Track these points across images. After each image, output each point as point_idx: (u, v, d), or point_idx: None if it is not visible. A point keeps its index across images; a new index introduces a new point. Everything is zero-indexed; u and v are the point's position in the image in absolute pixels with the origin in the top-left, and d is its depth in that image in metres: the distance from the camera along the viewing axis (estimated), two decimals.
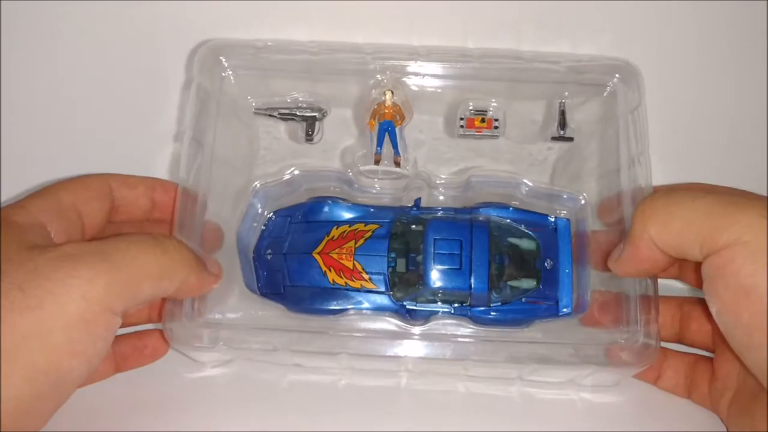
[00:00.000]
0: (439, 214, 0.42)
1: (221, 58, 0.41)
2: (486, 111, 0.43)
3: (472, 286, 0.39)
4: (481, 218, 0.41)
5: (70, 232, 0.35)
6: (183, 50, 0.44)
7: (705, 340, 0.39)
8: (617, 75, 0.41)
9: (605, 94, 0.42)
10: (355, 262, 0.40)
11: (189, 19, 0.44)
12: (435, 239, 0.39)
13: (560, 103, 0.43)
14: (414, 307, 0.40)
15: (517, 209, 0.42)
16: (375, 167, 0.42)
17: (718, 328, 0.36)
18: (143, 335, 0.39)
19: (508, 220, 0.42)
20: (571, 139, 0.43)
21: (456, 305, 0.40)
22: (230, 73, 0.42)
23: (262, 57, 0.41)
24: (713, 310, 0.31)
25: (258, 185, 0.43)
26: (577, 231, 0.42)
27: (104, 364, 0.38)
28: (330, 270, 0.40)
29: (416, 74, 0.41)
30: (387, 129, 0.42)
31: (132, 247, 0.31)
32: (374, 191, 0.43)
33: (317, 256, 0.41)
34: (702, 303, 0.39)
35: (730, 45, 0.44)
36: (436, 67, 0.41)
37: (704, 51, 0.45)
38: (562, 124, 0.43)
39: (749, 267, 0.29)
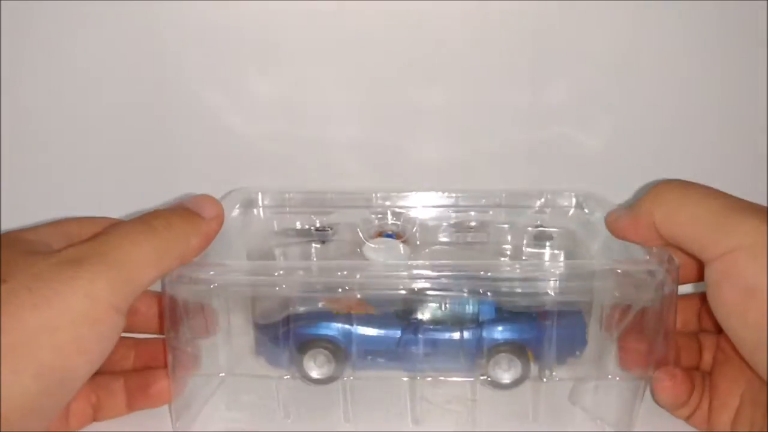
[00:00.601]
0: None
1: (252, 198, 0.50)
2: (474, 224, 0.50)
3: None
4: None
5: None
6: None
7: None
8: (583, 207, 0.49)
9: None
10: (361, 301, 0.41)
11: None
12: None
13: (537, 229, 0.49)
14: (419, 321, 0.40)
15: None
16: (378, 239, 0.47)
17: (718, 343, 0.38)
18: (148, 373, 0.39)
19: None
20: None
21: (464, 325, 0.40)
22: (261, 210, 0.50)
23: (286, 201, 0.50)
24: (719, 315, 0.32)
25: None
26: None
27: (115, 399, 0.38)
28: (332, 307, 0.41)
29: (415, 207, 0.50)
30: (390, 236, 0.48)
31: (125, 242, 0.33)
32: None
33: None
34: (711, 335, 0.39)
35: (729, 46, 0.49)
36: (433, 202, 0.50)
37: (701, 50, 0.50)
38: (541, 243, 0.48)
39: (753, 268, 0.31)
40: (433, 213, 0.50)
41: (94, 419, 0.38)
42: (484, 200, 0.50)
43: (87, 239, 0.33)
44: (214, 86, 0.51)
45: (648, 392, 0.38)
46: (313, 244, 0.50)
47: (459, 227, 0.50)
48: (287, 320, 0.40)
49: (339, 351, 0.40)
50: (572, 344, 0.40)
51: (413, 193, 0.50)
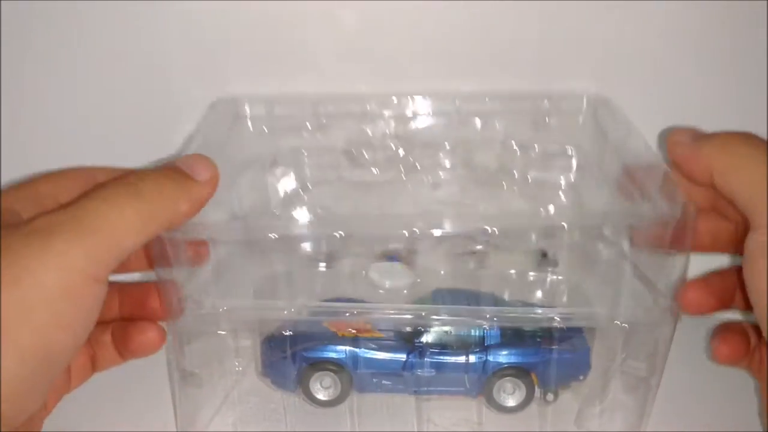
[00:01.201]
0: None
1: (238, 110, 0.46)
2: None
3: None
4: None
5: None
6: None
7: None
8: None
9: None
10: (365, 323, 0.41)
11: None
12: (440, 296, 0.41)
13: (542, 254, 0.48)
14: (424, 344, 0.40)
15: None
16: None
17: None
18: (134, 325, 0.37)
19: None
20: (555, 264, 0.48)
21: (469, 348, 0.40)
22: (249, 124, 0.47)
23: (275, 110, 0.47)
24: (749, 289, 0.31)
25: None
26: None
27: (108, 351, 0.37)
28: (338, 330, 0.41)
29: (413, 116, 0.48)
30: (394, 259, 0.48)
31: (104, 206, 0.30)
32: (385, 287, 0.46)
33: (326, 324, 0.42)
34: None
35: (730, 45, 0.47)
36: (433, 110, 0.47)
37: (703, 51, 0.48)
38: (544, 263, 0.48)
39: None
40: (434, 130, 0.47)
41: (94, 371, 0.38)
42: (488, 101, 0.47)
43: (63, 205, 0.30)
44: None
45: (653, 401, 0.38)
46: (319, 265, 0.50)
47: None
48: (293, 342, 0.40)
49: (344, 373, 0.40)
50: (576, 368, 0.40)
51: (411, 98, 0.47)
